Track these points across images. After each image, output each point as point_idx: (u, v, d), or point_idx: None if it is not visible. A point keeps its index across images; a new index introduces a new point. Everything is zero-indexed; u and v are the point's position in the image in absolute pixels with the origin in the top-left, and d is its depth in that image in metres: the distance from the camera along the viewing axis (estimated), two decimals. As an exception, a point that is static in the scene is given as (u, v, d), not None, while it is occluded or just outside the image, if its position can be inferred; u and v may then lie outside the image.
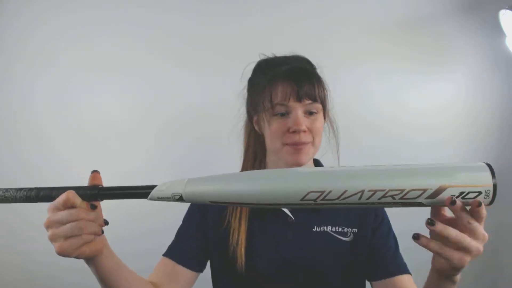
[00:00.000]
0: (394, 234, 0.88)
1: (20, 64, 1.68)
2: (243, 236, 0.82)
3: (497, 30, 1.58)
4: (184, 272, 0.84)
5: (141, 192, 0.55)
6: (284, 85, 0.79)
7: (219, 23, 1.71)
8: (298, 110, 0.79)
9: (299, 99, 0.78)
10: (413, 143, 1.74)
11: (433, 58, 1.76)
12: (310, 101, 0.79)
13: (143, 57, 1.70)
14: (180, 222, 0.92)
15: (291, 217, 0.83)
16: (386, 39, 1.75)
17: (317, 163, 0.92)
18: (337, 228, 0.83)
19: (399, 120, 1.74)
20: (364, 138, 1.69)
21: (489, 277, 1.82)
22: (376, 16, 1.76)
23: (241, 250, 0.81)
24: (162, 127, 1.70)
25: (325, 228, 0.83)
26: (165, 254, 0.86)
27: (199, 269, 0.87)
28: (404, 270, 0.83)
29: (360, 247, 0.83)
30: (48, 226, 0.54)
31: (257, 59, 0.90)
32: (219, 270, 0.89)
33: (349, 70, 1.68)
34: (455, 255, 0.51)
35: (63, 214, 0.52)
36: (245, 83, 0.92)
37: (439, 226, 0.51)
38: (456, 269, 0.54)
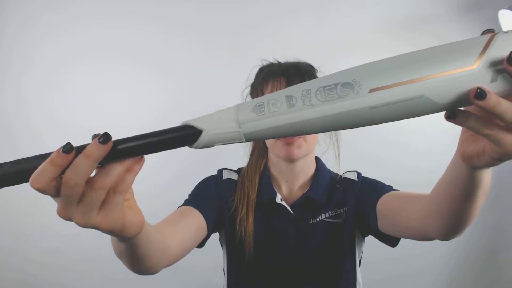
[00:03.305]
0: (382, 182, 0.84)
1: (18, 62, 1.68)
2: (251, 228, 0.83)
3: (497, 30, 1.58)
4: (197, 215, 0.77)
5: (179, 136, 0.36)
6: (275, 80, 0.82)
7: (231, 24, 1.72)
8: None
9: None
10: (413, 149, 1.75)
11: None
12: None
13: (144, 56, 1.70)
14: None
15: (292, 214, 0.84)
16: (387, 38, 1.76)
17: (318, 162, 0.93)
18: (330, 213, 0.84)
19: (397, 124, 1.73)
20: (362, 142, 1.69)
21: (489, 277, 1.83)
22: (378, 16, 1.77)
23: (250, 239, 0.82)
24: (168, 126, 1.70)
25: (320, 217, 0.84)
26: (180, 206, 0.81)
27: (212, 228, 0.81)
28: (394, 190, 0.78)
29: (350, 222, 0.83)
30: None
31: (264, 59, 0.91)
32: (229, 254, 0.89)
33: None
34: (508, 138, 0.34)
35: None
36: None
37: (493, 98, 0.32)
38: (502, 159, 0.36)
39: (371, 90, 0.34)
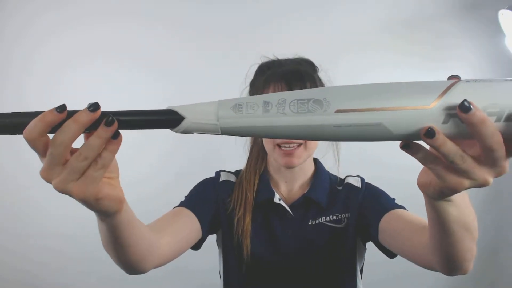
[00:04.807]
0: (387, 195, 0.84)
1: (18, 62, 1.68)
2: (248, 228, 0.82)
3: (497, 30, 1.59)
4: (191, 216, 0.77)
5: (163, 119, 0.40)
6: (276, 85, 0.80)
7: (231, 24, 1.72)
8: None
9: None
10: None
11: (434, 57, 1.77)
12: None
13: (144, 56, 1.70)
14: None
15: (291, 213, 0.84)
16: (388, 38, 1.76)
17: (317, 163, 0.92)
18: (331, 217, 0.84)
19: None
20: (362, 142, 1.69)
21: (489, 277, 1.83)
22: (378, 15, 1.77)
23: (247, 240, 0.82)
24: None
25: (320, 220, 0.84)
26: (175, 207, 0.82)
27: (207, 230, 0.81)
28: (398, 206, 0.78)
29: (352, 229, 0.84)
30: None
31: (264, 56, 0.90)
32: (225, 255, 0.89)
33: (350, 69, 1.69)
34: (450, 178, 0.37)
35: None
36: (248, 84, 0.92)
37: (440, 138, 0.35)
38: (444, 192, 0.40)
39: (338, 111, 0.38)
